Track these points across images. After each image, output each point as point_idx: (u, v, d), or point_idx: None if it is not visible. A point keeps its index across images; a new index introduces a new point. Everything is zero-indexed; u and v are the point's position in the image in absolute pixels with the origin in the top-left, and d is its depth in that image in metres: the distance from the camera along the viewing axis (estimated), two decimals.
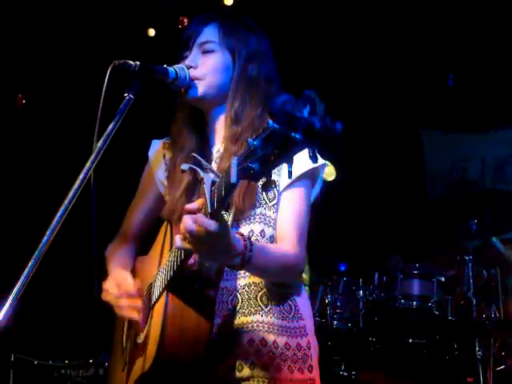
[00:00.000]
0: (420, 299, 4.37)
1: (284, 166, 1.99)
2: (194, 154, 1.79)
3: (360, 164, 5.86)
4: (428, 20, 5.36)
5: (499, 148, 5.95)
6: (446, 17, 5.32)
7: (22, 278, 1.62)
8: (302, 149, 1.37)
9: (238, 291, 2.01)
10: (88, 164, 1.79)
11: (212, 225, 1.61)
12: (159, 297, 1.94)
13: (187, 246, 1.70)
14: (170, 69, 2.05)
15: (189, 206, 1.71)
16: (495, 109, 5.82)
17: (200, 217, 1.63)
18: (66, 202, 1.71)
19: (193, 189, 2.07)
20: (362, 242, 5.63)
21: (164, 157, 2.28)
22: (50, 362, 4.49)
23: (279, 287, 2.04)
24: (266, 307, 2.01)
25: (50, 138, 5.89)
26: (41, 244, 1.66)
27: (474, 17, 5.27)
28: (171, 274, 1.87)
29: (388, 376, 4.44)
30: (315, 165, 2.04)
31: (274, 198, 2.05)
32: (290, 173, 1.44)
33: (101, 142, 1.82)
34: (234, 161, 1.46)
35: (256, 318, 1.99)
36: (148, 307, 2.04)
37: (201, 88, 2.12)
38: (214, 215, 1.61)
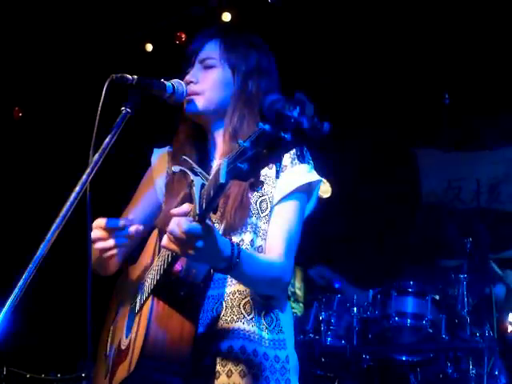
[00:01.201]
0: (414, 317, 4.37)
1: (280, 180, 2.04)
2: (185, 158, 1.80)
3: (355, 182, 5.87)
4: (423, 38, 5.40)
5: (494, 167, 5.97)
6: (442, 35, 5.36)
7: (16, 290, 1.62)
8: (290, 149, 1.39)
9: (223, 299, 2.02)
10: (84, 177, 1.79)
11: (194, 228, 1.63)
12: (145, 301, 1.95)
13: (172, 246, 1.71)
14: (168, 83, 2.07)
15: (174, 211, 1.73)
16: (490, 128, 5.85)
17: (183, 220, 1.65)
18: (62, 214, 1.72)
19: (189, 201, 2.08)
20: (357, 261, 5.63)
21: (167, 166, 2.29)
22: (43, 375, 4.46)
23: (263, 298, 2.04)
24: (248, 315, 2.01)
25: (46, 150, 5.90)
26: (35, 256, 1.66)
27: (470, 35, 5.30)
28: (157, 279, 1.88)
29: None
30: (311, 180, 2.08)
31: (267, 208, 2.06)
32: (277, 172, 1.46)
33: (97, 155, 1.83)
34: (224, 162, 1.48)
35: (238, 325, 2.00)
36: (133, 314, 2.04)
37: (200, 103, 2.14)
38: (202, 217, 1.62)
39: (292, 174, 2.06)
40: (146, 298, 1.94)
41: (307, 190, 2.10)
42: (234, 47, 2.18)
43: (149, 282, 1.96)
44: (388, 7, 5.29)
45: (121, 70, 1.99)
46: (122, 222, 1.96)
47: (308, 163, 2.09)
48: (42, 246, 1.68)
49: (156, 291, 1.89)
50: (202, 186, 1.63)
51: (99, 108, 1.88)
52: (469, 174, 6.02)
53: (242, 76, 2.16)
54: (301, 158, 2.00)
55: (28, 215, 5.67)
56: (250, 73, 2.17)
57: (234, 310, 2.01)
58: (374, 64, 5.59)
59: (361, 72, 5.64)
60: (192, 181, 1.66)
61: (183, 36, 5.67)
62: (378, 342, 4.46)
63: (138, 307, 2.02)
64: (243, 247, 1.99)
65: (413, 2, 5.25)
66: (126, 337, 2.03)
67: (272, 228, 2.05)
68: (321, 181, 2.12)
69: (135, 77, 1.97)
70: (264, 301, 2.04)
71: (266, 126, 1.36)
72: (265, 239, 2.05)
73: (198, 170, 1.69)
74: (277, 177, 1.48)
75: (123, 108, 1.93)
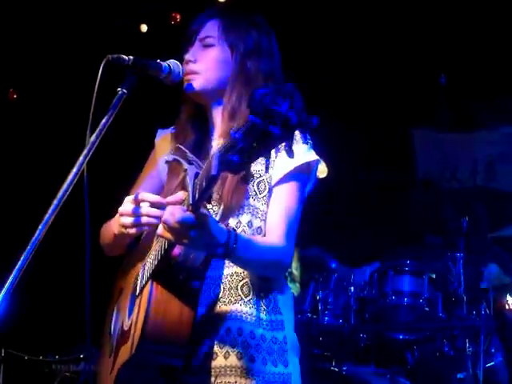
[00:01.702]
0: (410, 296, 4.39)
1: (278, 160, 2.03)
2: (179, 146, 1.80)
3: (351, 161, 5.87)
4: (420, 19, 5.37)
5: (490, 147, 5.98)
6: (438, 16, 5.33)
7: (14, 273, 1.62)
8: (280, 142, 1.38)
9: (221, 280, 2.02)
10: (81, 158, 1.79)
11: (187, 217, 1.64)
12: (144, 285, 1.95)
13: (167, 235, 1.72)
14: (164, 64, 2.05)
15: (169, 199, 1.74)
16: (486, 108, 5.84)
17: (176, 209, 1.66)
18: (59, 196, 1.72)
19: (185, 189, 2.08)
20: (353, 240, 5.65)
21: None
22: (41, 357, 4.48)
23: (262, 280, 2.04)
24: (246, 297, 2.01)
25: (43, 132, 5.88)
26: (33, 238, 1.66)
27: (467, 16, 5.28)
28: (155, 264, 1.88)
29: (378, 372, 4.45)
30: (309, 159, 2.06)
31: (265, 189, 2.05)
32: (266, 168, 1.50)
33: (94, 136, 1.82)
34: (216, 153, 1.48)
35: (235, 307, 2.00)
36: (134, 296, 2.05)
37: (198, 82, 2.13)
38: (195, 207, 1.62)
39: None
40: (146, 282, 1.95)
41: (306, 170, 2.08)
42: (233, 26, 2.16)
43: (148, 265, 1.96)
44: None
45: (116, 51, 1.98)
46: (152, 197, 1.94)
47: (307, 143, 2.08)
48: (39, 227, 1.68)
49: (155, 275, 1.90)
50: (196, 175, 1.63)
51: (95, 89, 1.87)
52: (465, 154, 6.03)
53: (240, 55, 2.14)
54: (299, 137, 2.04)
55: (25, 197, 5.66)
56: (248, 52, 2.15)
57: (231, 291, 2.02)
58: (371, 45, 5.57)
59: (357, 53, 5.61)
60: (186, 170, 1.66)
61: (178, 17, 5.64)
62: (375, 320, 4.48)
63: (138, 290, 2.02)
64: (240, 229, 2.01)
65: None
66: (129, 318, 2.04)
67: (271, 210, 2.04)
68: (319, 160, 2.10)
69: (131, 57, 1.95)
70: (262, 282, 2.04)
71: (256, 120, 1.36)
72: (264, 220, 2.04)
73: (193, 158, 1.69)
74: (266, 171, 1.47)
75: (119, 89, 1.91)
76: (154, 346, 1.87)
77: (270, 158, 1.44)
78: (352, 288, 4.51)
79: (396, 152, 6.04)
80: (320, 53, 5.55)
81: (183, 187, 1.83)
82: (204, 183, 1.56)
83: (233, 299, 2.01)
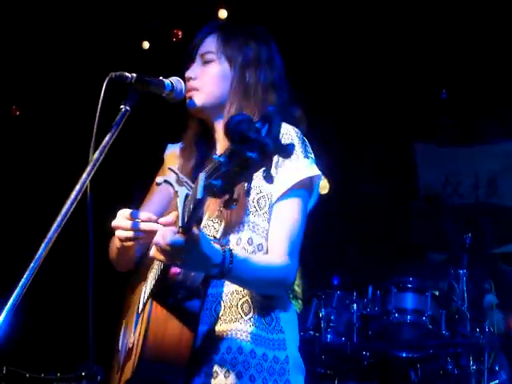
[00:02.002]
0: (414, 313, 4.37)
1: (278, 176, 2.02)
2: (170, 167, 1.80)
3: (354, 177, 5.87)
4: (421, 34, 5.39)
5: (492, 161, 5.97)
6: (440, 31, 5.35)
7: (17, 290, 1.61)
8: (260, 167, 1.38)
9: (221, 298, 2.01)
10: (84, 176, 1.78)
11: (177, 240, 1.63)
12: (146, 303, 1.95)
13: (159, 256, 1.71)
14: (166, 81, 2.05)
15: (161, 220, 1.74)
16: (488, 122, 5.85)
17: (167, 231, 1.66)
18: (62, 213, 1.71)
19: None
20: (356, 256, 5.63)
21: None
22: (42, 374, 4.45)
23: (263, 298, 2.02)
24: (246, 316, 1.99)
25: (46, 149, 5.89)
26: (36, 255, 1.66)
27: (468, 32, 5.30)
28: (154, 283, 1.88)
29: None
30: (310, 174, 2.04)
31: (265, 205, 2.03)
32: (247, 191, 1.46)
33: (97, 153, 1.82)
34: (202, 176, 1.48)
35: (235, 325, 1.98)
36: (138, 314, 2.04)
37: (199, 99, 2.14)
38: (185, 230, 1.62)
39: (290, 169, 2.03)
40: (146, 300, 1.94)
41: (308, 185, 2.06)
42: (231, 39, 2.17)
43: (149, 283, 1.96)
44: (388, 3, 5.29)
45: (118, 68, 1.98)
46: (144, 214, 1.95)
47: (308, 157, 2.06)
48: (42, 245, 1.67)
49: (154, 294, 1.89)
50: (186, 196, 1.63)
51: (99, 106, 1.87)
52: (467, 169, 6.02)
53: (238, 67, 2.14)
54: (301, 152, 2.03)
55: (28, 214, 5.66)
56: (247, 64, 2.14)
57: (232, 309, 2.00)
58: (373, 59, 5.58)
59: (359, 68, 5.63)
60: (176, 191, 1.66)
61: (180, 33, 5.66)
62: (378, 338, 4.46)
63: (141, 307, 2.01)
64: (241, 246, 2.00)
65: None
66: (133, 335, 2.03)
67: (273, 227, 2.02)
68: (321, 175, 2.08)
69: (134, 75, 1.96)
70: (264, 300, 2.02)
71: (235, 146, 1.36)
72: (264, 237, 2.02)
73: (184, 179, 1.68)
74: (247, 195, 1.46)
75: (122, 106, 1.92)
76: (153, 366, 1.85)
77: (251, 182, 1.43)
78: (355, 305, 4.49)
79: (397, 167, 6.04)
80: (322, 66, 5.57)
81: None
82: (191, 206, 1.56)
83: (233, 317, 1.99)
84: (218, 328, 1.99)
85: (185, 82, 2.12)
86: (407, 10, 5.27)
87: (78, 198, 1.75)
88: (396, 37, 5.45)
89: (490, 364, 4.17)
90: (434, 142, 6.14)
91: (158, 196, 2.28)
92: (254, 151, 1.33)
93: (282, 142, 1.34)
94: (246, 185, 1.44)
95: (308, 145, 2.11)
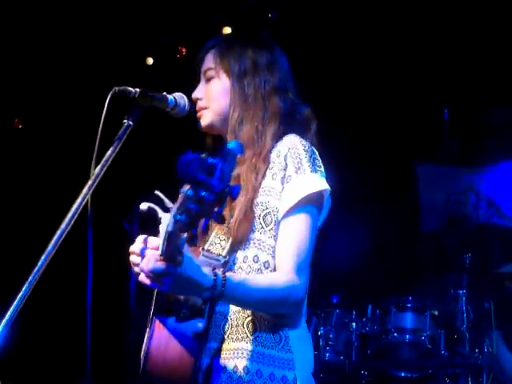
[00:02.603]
0: (413, 333, 4.35)
1: (285, 192, 2.00)
2: (157, 192, 1.79)
3: (354, 195, 5.86)
4: (424, 54, 5.41)
5: (493, 182, 5.98)
6: (442, 52, 5.37)
7: (15, 303, 1.61)
8: (215, 205, 1.40)
9: (229, 316, 1.98)
10: (85, 190, 1.79)
11: (158, 267, 1.65)
12: (151, 319, 1.93)
13: (147, 281, 1.71)
14: (170, 97, 2.05)
15: (149, 244, 1.74)
16: (490, 143, 5.86)
17: (151, 257, 1.67)
18: (62, 227, 1.71)
19: None
20: (355, 275, 5.61)
21: None
22: None
23: (271, 316, 1.98)
24: (252, 335, 1.96)
25: (48, 163, 5.90)
26: (35, 269, 1.65)
27: (469, 51, 5.32)
28: (156, 297, 1.88)
29: None
30: (317, 189, 1.99)
31: (271, 222, 1.98)
32: (204, 225, 1.47)
33: (99, 167, 1.82)
34: (174, 209, 1.49)
35: (241, 344, 1.96)
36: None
37: (207, 117, 2.14)
38: (166, 257, 1.63)
39: (296, 185, 1.99)
40: (152, 317, 1.93)
41: (315, 199, 2.01)
42: (227, 52, 2.15)
43: (154, 298, 1.95)
44: (387, 22, 5.31)
45: (122, 83, 1.99)
46: (153, 240, 1.85)
47: (316, 171, 2.01)
48: (42, 258, 1.67)
49: (157, 311, 1.88)
50: None
51: (102, 120, 1.88)
52: (468, 189, 6.02)
53: (236, 78, 2.12)
54: (308, 166, 1.99)
55: (28, 228, 5.66)
56: (244, 73, 2.12)
57: (238, 328, 1.97)
58: (374, 78, 5.60)
59: (361, 86, 5.65)
60: (160, 218, 1.65)
61: (184, 50, 5.69)
62: (377, 357, 4.44)
63: (148, 323, 2.00)
64: (247, 264, 1.97)
65: (411, 17, 5.27)
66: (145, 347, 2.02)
67: (280, 244, 1.98)
68: (329, 189, 2.03)
69: (138, 90, 1.96)
70: (272, 318, 1.98)
71: (187, 189, 1.38)
72: (271, 254, 1.99)
73: (169, 205, 1.68)
74: (205, 232, 1.47)
75: (125, 120, 1.92)
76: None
77: (209, 217, 1.46)
78: (354, 324, 4.48)
79: (399, 187, 6.04)
80: (323, 85, 5.59)
81: None
82: (166, 236, 1.57)
83: (240, 336, 1.96)
84: (226, 346, 1.96)
85: (189, 99, 2.13)
86: (412, 29, 5.30)
87: (79, 212, 1.75)
88: (398, 56, 5.48)
89: None
90: (436, 162, 6.15)
91: None
92: (205, 191, 1.34)
93: (228, 184, 1.35)
94: (204, 220, 1.47)
95: (317, 157, 2.06)
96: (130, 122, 1.91)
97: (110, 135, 1.91)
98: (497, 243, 5.11)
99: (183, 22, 5.51)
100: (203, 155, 1.38)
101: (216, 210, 1.39)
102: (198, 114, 2.15)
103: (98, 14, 5.25)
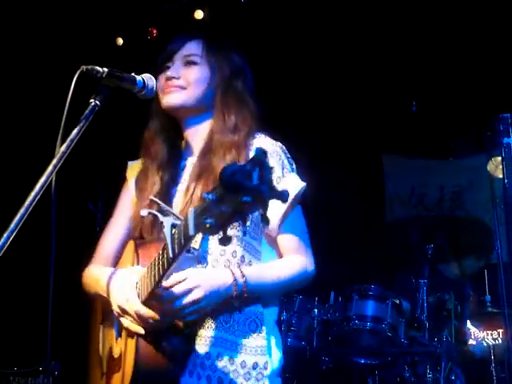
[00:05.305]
0: (374, 320, 4.40)
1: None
2: (152, 198, 1.82)
3: (320, 184, 5.88)
4: (392, 47, 5.44)
5: (458, 175, 6.04)
6: (412, 45, 5.41)
7: None
8: (254, 210, 1.42)
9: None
10: (49, 168, 1.77)
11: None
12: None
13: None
14: (138, 78, 2.05)
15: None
16: (456, 136, 5.92)
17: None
18: (26, 205, 1.70)
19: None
20: (318, 262, 5.64)
21: None
22: None
23: (242, 304, 2.06)
24: (226, 324, 2.04)
25: (12, 141, 5.82)
26: None
27: (438, 45, 5.36)
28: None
29: None
30: (300, 189, 2.18)
31: (263, 231, 2.15)
32: (244, 233, 1.71)
33: (64, 146, 1.81)
34: (191, 212, 1.50)
35: (217, 334, 2.03)
36: (118, 325, 2.06)
37: (180, 97, 2.18)
38: (175, 259, 1.67)
39: (286, 186, 2.11)
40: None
41: (298, 197, 2.19)
42: (216, 48, 2.26)
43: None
44: (360, 16, 5.33)
45: (91, 63, 1.97)
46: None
47: (293, 170, 2.20)
48: (4, 237, 1.66)
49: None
50: (173, 225, 1.66)
51: (68, 99, 1.86)
52: (433, 181, 6.08)
53: (227, 76, 2.23)
54: (288, 167, 2.17)
55: None
56: (235, 74, 2.24)
57: (213, 318, 2.04)
58: (344, 70, 5.62)
59: (330, 78, 5.66)
60: (162, 222, 1.68)
61: (155, 31, 5.66)
62: (338, 344, 4.48)
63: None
64: (224, 258, 2.06)
65: (384, 11, 5.29)
66: (116, 343, 2.06)
67: (287, 238, 2.18)
68: (305, 186, 2.21)
69: (105, 69, 1.95)
70: (241, 307, 2.06)
71: (229, 192, 1.40)
72: (254, 255, 2.12)
73: (166, 209, 1.70)
74: (244, 235, 1.72)
75: (92, 100, 1.91)
76: None
77: (245, 222, 1.48)
78: (316, 310, 4.51)
79: (364, 176, 6.08)
80: (290, 75, 5.59)
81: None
82: (182, 240, 1.60)
83: (213, 325, 2.04)
84: (204, 335, 2.03)
85: (158, 80, 2.12)
86: (380, 22, 5.33)
87: (43, 190, 1.74)
88: (367, 49, 5.50)
89: (447, 373, 4.22)
90: (402, 153, 6.20)
91: (122, 216, 2.30)
92: (249, 196, 1.37)
93: (276, 187, 1.39)
94: (240, 225, 1.57)
95: (289, 155, 2.23)
96: (97, 102, 1.90)
97: (78, 115, 1.90)
98: (459, 235, 5.18)
99: (154, 3, 5.47)
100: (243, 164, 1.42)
101: (259, 211, 1.43)
102: (169, 90, 2.18)
103: None
